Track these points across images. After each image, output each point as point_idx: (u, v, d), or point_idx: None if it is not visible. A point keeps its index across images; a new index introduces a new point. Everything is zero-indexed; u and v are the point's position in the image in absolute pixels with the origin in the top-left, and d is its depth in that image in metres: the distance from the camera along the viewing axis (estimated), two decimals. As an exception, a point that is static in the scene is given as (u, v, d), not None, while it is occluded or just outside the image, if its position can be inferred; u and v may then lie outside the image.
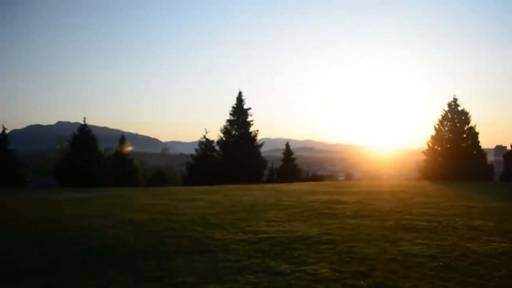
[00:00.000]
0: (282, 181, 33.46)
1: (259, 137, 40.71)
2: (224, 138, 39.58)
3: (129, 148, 41.34)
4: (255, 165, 38.88)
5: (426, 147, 37.98)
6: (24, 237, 8.58)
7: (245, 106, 40.19)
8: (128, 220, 10.16)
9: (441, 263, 5.99)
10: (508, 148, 38.40)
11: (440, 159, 36.51)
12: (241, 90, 40.27)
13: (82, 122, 38.64)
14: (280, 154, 45.27)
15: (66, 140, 40.95)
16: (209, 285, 5.24)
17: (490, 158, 43.77)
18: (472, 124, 36.52)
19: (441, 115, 37.18)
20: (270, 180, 39.07)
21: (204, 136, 39.38)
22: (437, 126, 37.24)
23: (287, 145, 43.83)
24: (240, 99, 40.15)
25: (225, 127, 39.80)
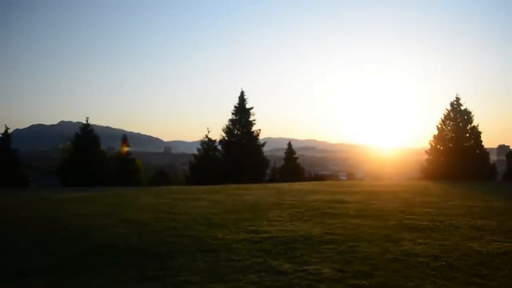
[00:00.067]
0: (284, 181, 33.45)
1: (261, 137, 40.78)
2: (226, 138, 39.59)
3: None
4: (257, 165, 38.87)
5: (428, 146, 37.95)
6: (27, 237, 8.60)
7: (247, 106, 40.22)
8: (130, 220, 10.19)
9: (443, 263, 5.98)
10: (511, 147, 38.30)
11: (442, 158, 36.46)
12: (244, 90, 40.31)
13: (85, 122, 38.72)
14: (282, 154, 45.29)
15: (68, 140, 41.01)
16: (211, 284, 5.24)
17: (493, 157, 43.62)
18: (474, 123, 36.51)
19: (444, 114, 37.15)
20: (272, 180, 39.03)
21: (207, 136, 39.42)
22: (439, 126, 37.19)
23: (289, 144, 43.85)
24: (242, 99, 40.16)
25: (227, 127, 39.82)
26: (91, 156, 36.75)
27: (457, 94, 37.26)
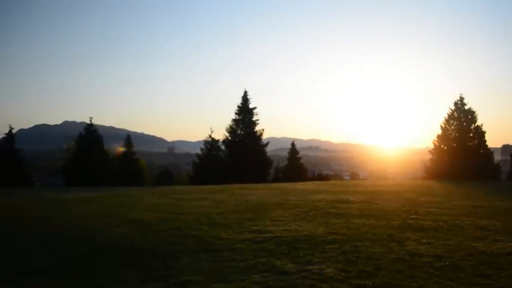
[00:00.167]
0: (288, 181, 33.43)
1: (264, 137, 40.69)
2: (229, 138, 39.59)
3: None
4: (261, 165, 38.86)
5: (432, 146, 37.80)
6: (30, 237, 8.63)
7: (251, 106, 40.18)
8: (134, 219, 10.21)
9: (447, 263, 5.96)
10: (515, 147, 38.12)
11: (446, 158, 36.30)
12: (247, 90, 40.29)
13: (89, 122, 38.82)
14: (285, 154, 45.26)
15: (72, 140, 41.18)
16: (215, 284, 5.24)
17: (497, 157, 43.42)
18: (478, 123, 36.28)
19: (448, 114, 36.98)
20: (275, 180, 39.05)
21: (210, 136, 39.43)
22: (443, 125, 37.03)
23: (293, 144, 43.83)
24: (245, 99, 40.15)
25: (231, 127, 39.82)
26: (95, 156, 36.89)
27: (461, 94, 37.08)
